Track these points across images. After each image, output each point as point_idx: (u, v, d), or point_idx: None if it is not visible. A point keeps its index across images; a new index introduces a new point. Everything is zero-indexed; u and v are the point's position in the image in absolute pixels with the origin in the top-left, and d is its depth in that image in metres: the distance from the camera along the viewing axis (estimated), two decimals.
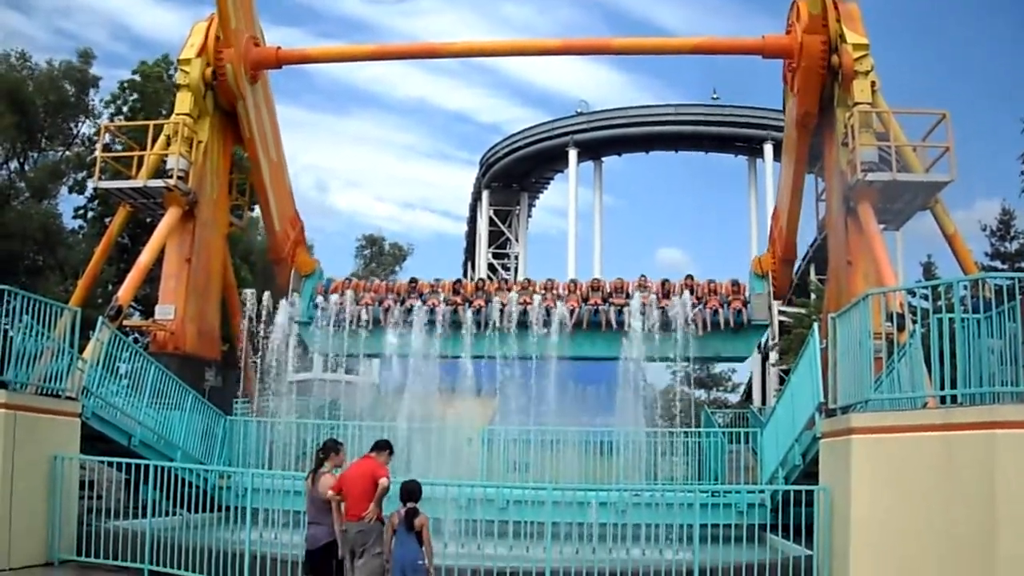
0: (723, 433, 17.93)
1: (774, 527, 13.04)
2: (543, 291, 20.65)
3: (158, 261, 19.41)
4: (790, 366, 16.62)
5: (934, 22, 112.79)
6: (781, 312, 43.01)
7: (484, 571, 10.37)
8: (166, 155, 19.33)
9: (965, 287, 10.85)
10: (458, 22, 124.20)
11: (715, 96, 50.76)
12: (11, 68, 33.88)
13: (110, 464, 13.88)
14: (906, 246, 34.36)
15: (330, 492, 8.44)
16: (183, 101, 19.74)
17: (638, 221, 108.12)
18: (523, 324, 18.91)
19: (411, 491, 8.34)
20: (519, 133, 55.20)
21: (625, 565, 10.51)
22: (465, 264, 64.77)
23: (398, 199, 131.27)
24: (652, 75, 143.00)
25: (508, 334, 18.51)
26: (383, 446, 8.95)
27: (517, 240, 60.75)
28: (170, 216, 18.86)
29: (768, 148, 46.24)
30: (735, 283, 20.65)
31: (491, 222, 59.12)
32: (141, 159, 19.52)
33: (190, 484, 12.31)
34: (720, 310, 19.72)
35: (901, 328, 11.36)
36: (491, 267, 59.42)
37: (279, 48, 21.09)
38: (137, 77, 34.19)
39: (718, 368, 49.63)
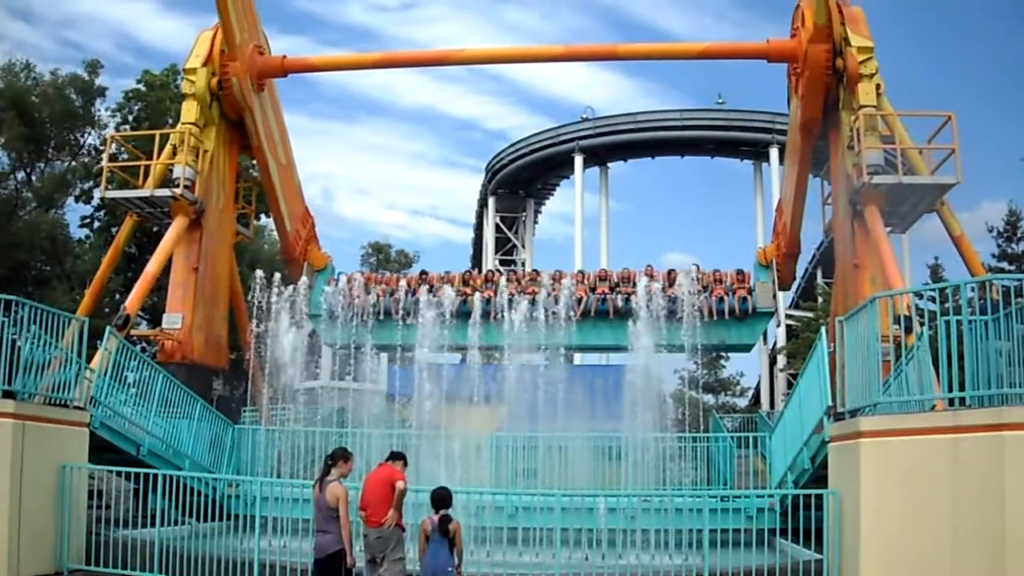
0: (732, 438, 17.94)
1: (784, 531, 12.94)
2: (552, 281, 20.70)
3: (165, 270, 19.43)
4: (798, 370, 16.58)
5: (939, 21, 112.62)
6: (788, 316, 43.12)
7: None
8: (173, 164, 19.40)
9: (972, 289, 10.84)
10: (463, 29, 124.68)
11: (720, 100, 50.81)
12: (17, 79, 34.02)
13: (118, 474, 13.83)
14: (913, 248, 34.38)
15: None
16: (189, 110, 19.84)
17: (644, 226, 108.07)
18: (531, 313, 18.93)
19: (442, 498, 8.45)
20: (525, 139, 55.14)
21: (635, 570, 10.49)
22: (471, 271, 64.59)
23: (405, 206, 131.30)
24: (658, 80, 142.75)
25: (516, 323, 18.52)
26: (397, 456, 9.01)
27: (523, 246, 60.72)
28: (177, 225, 18.93)
29: (774, 152, 46.13)
30: (740, 272, 20.71)
31: (497, 229, 59.15)
32: (148, 169, 19.60)
33: (199, 493, 12.35)
34: (725, 298, 19.72)
35: (909, 331, 11.35)
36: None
37: (284, 57, 21.25)
38: (141, 86, 34.36)
39: (726, 372, 49.64)
